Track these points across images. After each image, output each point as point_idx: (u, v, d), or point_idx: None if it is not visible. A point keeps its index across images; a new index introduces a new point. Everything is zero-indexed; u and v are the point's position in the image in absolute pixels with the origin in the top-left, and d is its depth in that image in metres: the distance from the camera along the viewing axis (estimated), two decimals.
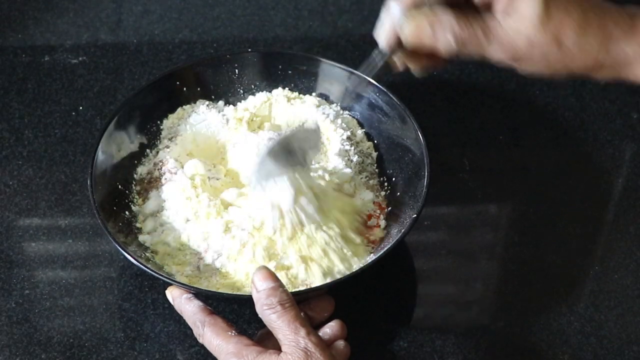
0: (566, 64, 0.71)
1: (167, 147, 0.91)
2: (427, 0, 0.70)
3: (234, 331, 0.73)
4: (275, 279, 0.72)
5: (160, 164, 0.89)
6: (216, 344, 0.72)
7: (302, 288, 0.79)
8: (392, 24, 0.71)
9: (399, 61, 0.75)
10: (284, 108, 0.93)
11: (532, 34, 0.69)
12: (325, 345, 0.71)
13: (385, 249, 0.80)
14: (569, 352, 0.83)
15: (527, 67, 0.72)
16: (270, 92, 0.95)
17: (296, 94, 0.95)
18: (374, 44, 1.13)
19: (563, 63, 0.71)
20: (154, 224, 0.86)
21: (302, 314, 0.74)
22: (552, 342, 0.83)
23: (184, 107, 0.94)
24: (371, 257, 0.82)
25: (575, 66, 0.71)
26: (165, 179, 0.87)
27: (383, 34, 0.72)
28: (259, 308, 0.72)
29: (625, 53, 0.70)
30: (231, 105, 0.95)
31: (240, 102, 0.95)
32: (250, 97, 0.95)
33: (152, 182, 0.89)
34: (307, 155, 0.81)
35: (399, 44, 0.71)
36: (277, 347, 0.70)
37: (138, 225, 0.86)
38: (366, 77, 0.85)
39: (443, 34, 0.69)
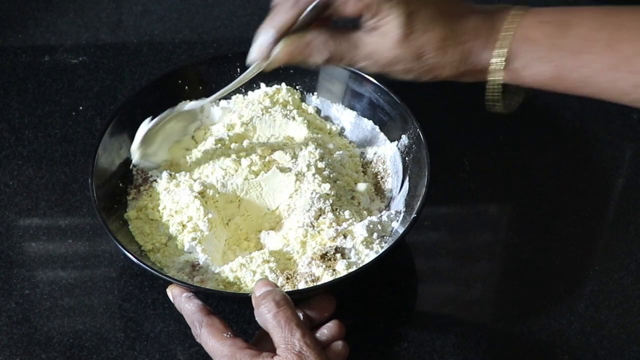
0: (431, 74, 0.77)
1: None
2: (298, 24, 0.75)
3: (230, 333, 0.73)
4: (273, 285, 0.73)
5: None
6: (211, 345, 0.73)
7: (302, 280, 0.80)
8: (266, 44, 0.76)
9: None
10: (271, 123, 0.94)
11: (395, 51, 0.74)
12: (321, 348, 0.71)
13: (385, 248, 0.81)
14: (569, 352, 0.83)
15: (397, 76, 0.77)
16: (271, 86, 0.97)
17: (298, 94, 0.97)
18: None
19: (427, 74, 0.76)
20: (146, 223, 0.86)
21: (300, 314, 0.75)
22: (552, 342, 0.84)
23: (185, 105, 0.95)
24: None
25: (440, 76, 0.77)
26: (151, 177, 0.89)
27: (256, 52, 0.77)
28: (256, 310, 0.72)
29: (483, 63, 0.75)
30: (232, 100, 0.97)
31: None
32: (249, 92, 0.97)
33: (145, 181, 0.89)
34: None
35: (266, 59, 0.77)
36: (274, 348, 0.70)
37: None
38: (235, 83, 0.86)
39: (313, 52, 0.75)
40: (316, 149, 0.89)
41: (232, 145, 0.90)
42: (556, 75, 0.74)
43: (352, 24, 0.76)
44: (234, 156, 0.88)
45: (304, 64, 0.77)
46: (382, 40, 0.74)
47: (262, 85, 0.96)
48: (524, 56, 0.74)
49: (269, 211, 0.87)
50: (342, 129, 0.96)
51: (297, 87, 0.97)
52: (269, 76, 0.96)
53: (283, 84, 0.96)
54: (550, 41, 0.73)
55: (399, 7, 0.73)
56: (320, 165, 0.87)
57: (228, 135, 0.91)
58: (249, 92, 0.96)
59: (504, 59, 0.74)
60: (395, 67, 0.75)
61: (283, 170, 0.87)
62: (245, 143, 0.90)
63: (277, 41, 0.75)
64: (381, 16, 0.73)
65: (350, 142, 0.95)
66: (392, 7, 0.72)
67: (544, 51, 0.73)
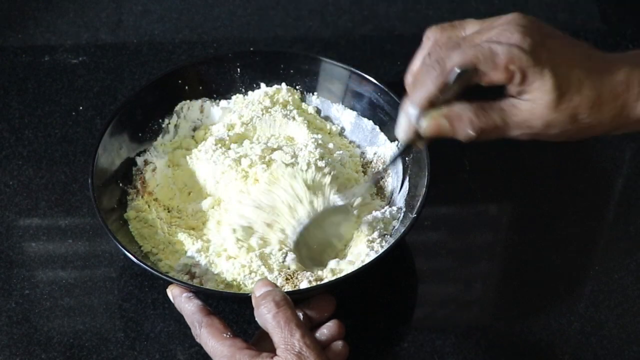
0: (585, 133, 0.73)
1: (163, 144, 0.93)
2: (442, 97, 0.71)
3: (229, 333, 0.73)
4: (273, 285, 0.73)
5: (151, 164, 0.91)
6: (211, 345, 0.73)
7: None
8: (409, 123, 0.72)
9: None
10: (271, 123, 0.94)
11: (548, 117, 0.70)
12: (321, 348, 0.71)
13: (385, 248, 0.81)
14: (569, 352, 0.83)
15: (548, 139, 0.74)
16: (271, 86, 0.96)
17: (298, 95, 0.97)
18: (373, 44, 1.13)
19: (582, 133, 0.73)
20: (145, 228, 0.86)
21: (300, 314, 0.75)
22: (552, 342, 0.83)
23: (185, 105, 0.95)
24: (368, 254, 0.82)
25: (595, 133, 0.73)
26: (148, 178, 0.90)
27: (403, 132, 0.74)
28: (256, 310, 0.72)
29: (639, 114, 0.72)
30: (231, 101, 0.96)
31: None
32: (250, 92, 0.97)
33: (143, 181, 0.89)
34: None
35: (417, 137, 0.74)
36: (273, 349, 0.70)
37: None
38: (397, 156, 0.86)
39: (462, 127, 0.71)
40: (316, 149, 0.89)
41: (232, 145, 0.90)
42: None
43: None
44: (233, 156, 0.88)
45: (452, 137, 0.72)
46: (535, 105, 0.70)
47: (262, 85, 0.96)
48: None
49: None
50: (342, 129, 0.96)
51: (297, 87, 0.97)
52: (269, 76, 0.96)
53: (283, 84, 0.96)
54: None
55: (548, 71, 0.69)
56: (320, 165, 0.87)
57: (228, 135, 0.91)
58: (249, 92, 0.96)
59: None
60: (550, 131, 0.72)
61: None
62: (246, 143, 0.90)
63: (421, 115, 0.71)
64: (530, 80, 0.69)
65: (350, 142, 0.95)
66: (542, 70, 0.69)
67: None
